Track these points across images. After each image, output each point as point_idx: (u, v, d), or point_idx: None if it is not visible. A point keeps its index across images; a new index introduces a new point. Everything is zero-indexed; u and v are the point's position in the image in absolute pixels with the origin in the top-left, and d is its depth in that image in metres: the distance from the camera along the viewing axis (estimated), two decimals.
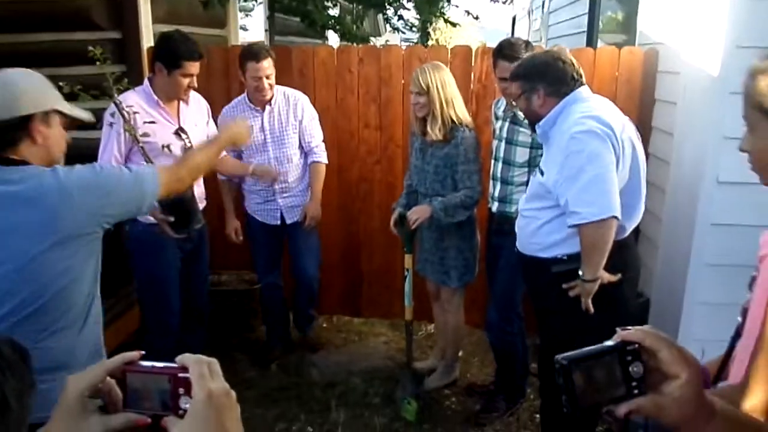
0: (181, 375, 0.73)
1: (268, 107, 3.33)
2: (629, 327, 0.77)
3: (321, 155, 3.51)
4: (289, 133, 3.38)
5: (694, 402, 0.76)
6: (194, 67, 2.88)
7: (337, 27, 6.02)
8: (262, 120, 3.34)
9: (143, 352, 0.78)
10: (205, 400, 0.71)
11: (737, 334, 1.22)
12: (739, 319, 1.22)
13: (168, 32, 3.00)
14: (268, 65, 3.20)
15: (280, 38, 6.09)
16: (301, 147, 3.45)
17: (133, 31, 3.63)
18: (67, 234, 1.62)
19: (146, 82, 2.95)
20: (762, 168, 1.21)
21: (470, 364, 3.72)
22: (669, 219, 3.27)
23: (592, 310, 2.29)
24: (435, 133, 2.98)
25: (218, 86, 3.92)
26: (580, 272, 2.27)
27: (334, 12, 6.45)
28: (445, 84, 2.98)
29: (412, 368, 3.32)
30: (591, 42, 5.61)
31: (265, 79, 3.21)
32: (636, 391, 0.75)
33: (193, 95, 3.05)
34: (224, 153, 3.33)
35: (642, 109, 3.59)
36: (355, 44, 5.39)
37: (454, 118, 2.99)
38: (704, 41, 2.82)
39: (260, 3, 6.27)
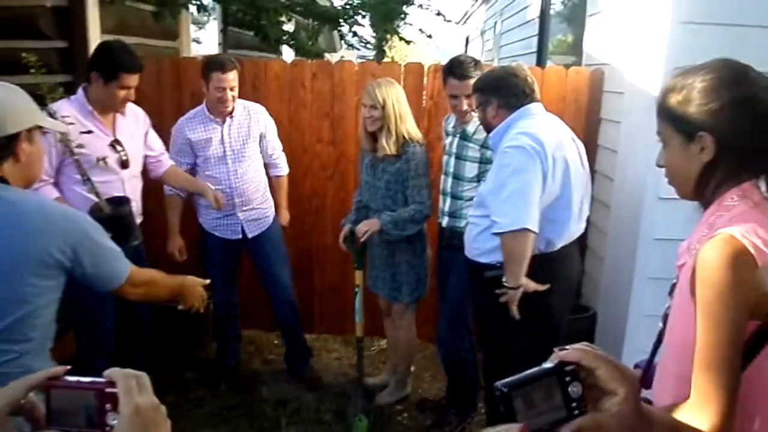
0: (108, 390, 0.71)
1: (228, 119, 3.27)
2: (566, 347, 0.78)
3: (283, 168, 3.52)
4: (249, 146, 3.32)
5: (632, 416, 0.78)
6: (132, 80, 2.79)
7: (292, 42, 6.01)
8: (222, 132, 3.28)
9: (69, 367, 0.75)
10: (132, 416, 0.68)
11: (659, 340, 1.27)
12: (660, 324, 1.26)
13: (109, 42, 2.92)
14: (233, 77, 3.15)
15: (234, 52, 6.04)
16: (262, 156, 3.42)
17: (80, 41, 3.54)
18: (37, 258, 1.60)
19: (80, 91, 2.84)
20: (676, 181, 1.27)
21: (422, 379, 3.72)
22: (614, 234, 3.37)
23: (517, 315, 2.40)
24: (389, 147, 2.99)
25: (169, 98, 3.87)
26: (503, 279, 2.39)
27: (288, 27, 6.45)
28: (399, 99, 3.02)
29: (363, 384, 3.31)
30: (541, 62, 5.77)
31: (229, 91, 3.16)
32: (576, 411, 0.75)
33: (130, 106, 2.96)
34: (175, 164, 3.28)
35: (588, 127, 3.70)
36: (309, 59, 5.39)
37: (406, 134, 3.02)
38: (646, 63, 2.94)
39: (214, 18, 6.23)
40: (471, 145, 2.94)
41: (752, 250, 1.06)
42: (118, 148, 2.85)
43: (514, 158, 2.33)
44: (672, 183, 1.28)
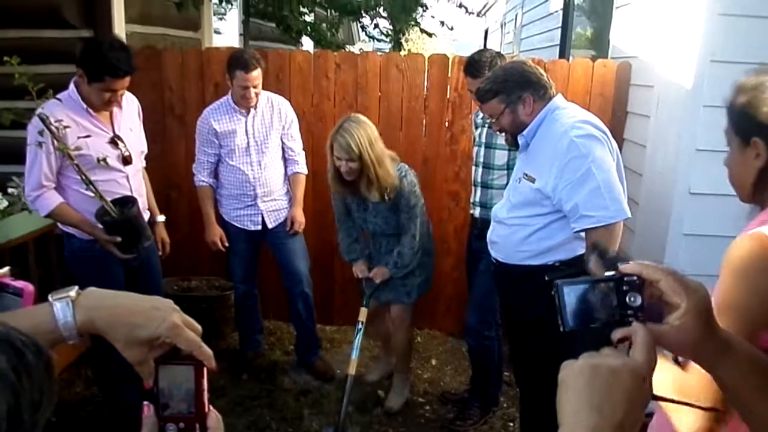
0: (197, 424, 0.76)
1: (252, 111, 3.28)
2: (630, 261, 0.78)
3: (303, 166, 3.49)
4: (272, 137, 3.33)
5: (697, 332, 0.74)
6: (119, 84, 2.58)
7: (313, 33, 6.00)
8: (246, 123, 3.29)
9: (214, 366, 0.78)
10: None
11: None
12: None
13: (102, 39, 2.75)
14: (257, 75, 3.15)
15: (255, 43, 6.04)
16: (282, 150, 3.42)
17: (105, 31, 3.55)
18: None
19: (72, 87, 2.64)
20: (734, 184, 1.21)
21: (444, 372, 3.71)
22: (641, 230, 3.32)
23: None
24: (374, 196, 2.97)
25: (193, 89, 3.87)
26: None
27: (309, 18, 6.44)
28: (371, 141, 2.89)
29: (342, 428, 2.96)
30: (564, 55, 5.71)
31: (252, 89, 3.17)
32: (631, 320, 0.75)
33: (126, 95, 2.77)
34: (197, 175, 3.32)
35: (614, 121, 3.65)
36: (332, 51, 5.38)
37: (386, 178, 2.92)
38: (678, 55, 2.88)
39: (233, 7, 6.23)
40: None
41: None
42: (119, 144, 2.72)
43: (591, 148, 2.19)
44: (731, 185, 1.22)
